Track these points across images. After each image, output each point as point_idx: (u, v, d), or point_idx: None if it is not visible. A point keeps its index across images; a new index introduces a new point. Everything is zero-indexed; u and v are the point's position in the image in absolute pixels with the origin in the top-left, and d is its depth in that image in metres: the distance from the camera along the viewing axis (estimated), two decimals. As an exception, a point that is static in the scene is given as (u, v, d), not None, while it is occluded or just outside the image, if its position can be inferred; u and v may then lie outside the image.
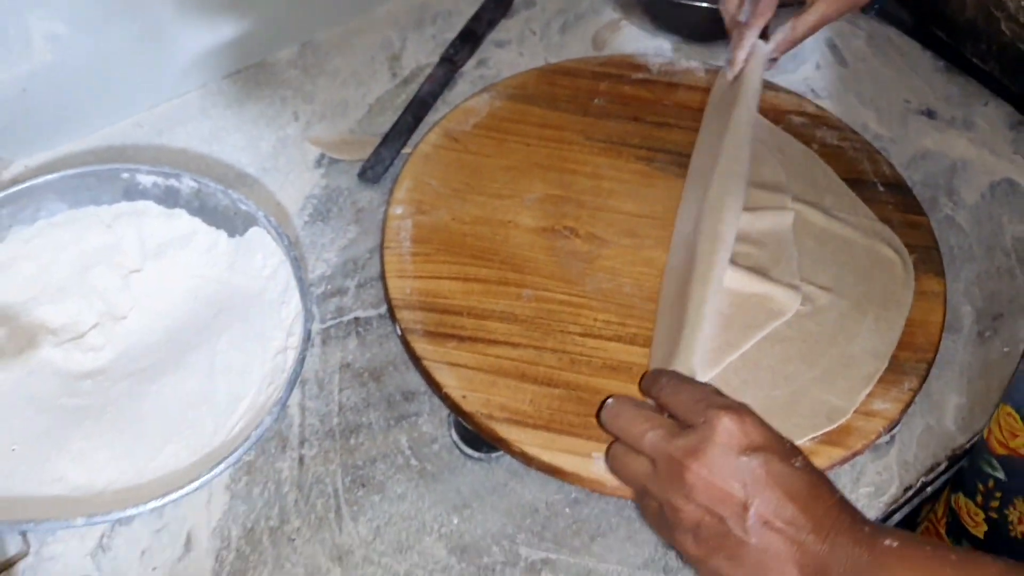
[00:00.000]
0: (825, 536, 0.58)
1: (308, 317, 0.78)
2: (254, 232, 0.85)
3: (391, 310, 0.81)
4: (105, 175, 0.86)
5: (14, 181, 0.89)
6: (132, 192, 0.87)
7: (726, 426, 0.60)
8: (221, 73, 1.08)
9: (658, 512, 0.64)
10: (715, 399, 0.64)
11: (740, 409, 0.62)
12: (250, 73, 1.09)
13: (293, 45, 1.12)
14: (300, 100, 1.07)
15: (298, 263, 0.81)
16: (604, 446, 0.71)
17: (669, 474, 0.61)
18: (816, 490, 0.60)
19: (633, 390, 0.75)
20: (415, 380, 0.84)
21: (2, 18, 0.87)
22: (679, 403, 0.65)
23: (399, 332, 0.80)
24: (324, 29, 1.14)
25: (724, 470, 0.59)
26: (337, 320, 0.88)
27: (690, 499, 0.60)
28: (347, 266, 0.92)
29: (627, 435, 0.66)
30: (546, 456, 0.73)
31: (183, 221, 0.87)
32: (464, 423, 0.77)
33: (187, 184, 0.86)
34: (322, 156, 1.02)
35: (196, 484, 0.70)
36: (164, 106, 1.05)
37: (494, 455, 0.80)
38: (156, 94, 1.04)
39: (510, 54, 1.14)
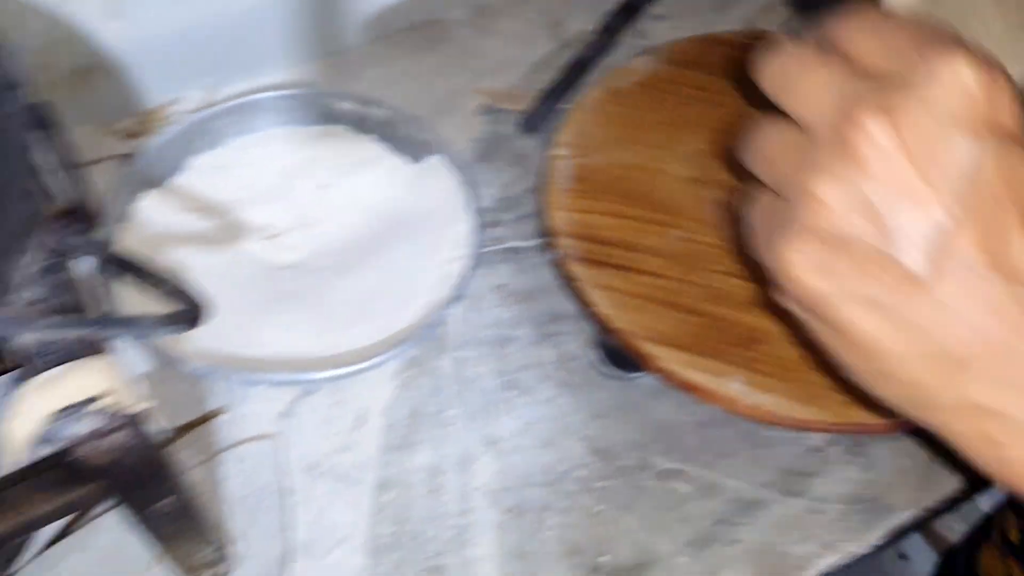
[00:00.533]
0: None
1: (477, 233, 0.88)
2: (432, 160, 0.95)
3: (549, 237, 0.90)
4: (309, 99, 0.98)
5: (226, 101, 1.02)
6: (330, 116, 0.98)
7: (959, 79, 0.34)
8: (400, 26, 1.19)
9: (775, 210, 0.40)
10: (945, 39, 0.36)
11: (989, 62, 0.36)
12: (425, 28, 1.20)
13: (465, 7, 1.23)
14: (469, 56, 1.18)
15: (471, 188, 0.91)
16: (740, 372, 0.78)
17: (835, 138, 0.36)
18: None
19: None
20: (562, 304, 0.93)
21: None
22: (880, 46, 0.37)
23: (555, 257, 0.89)
24: (492, -5, 1.24)
25: (932, 149, 0.35)
26: (494, 248, 0.98)
27: (851, 182, 0.36)
28: (505, 202, 1.02)
29: (790, 86, 0.40)
30: (685, 373, 0.80)
31: (372, 146, 0.98)
32: (609, 342, 0.85)
33: (379, 112, 0.97)
34: (487, 105, 1.12)
35: (373, 361, 0.81)
36: (349, 52, 1.17)
37: (632, 376, 0.88)
38: (342, 40, 1.16)
39: (666, 27, 1.22)
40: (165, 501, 0.64)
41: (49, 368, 0.52)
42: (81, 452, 0.55)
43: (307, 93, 0.97)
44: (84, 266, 0.58)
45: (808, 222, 0.37)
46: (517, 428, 0.85)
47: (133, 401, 0.54)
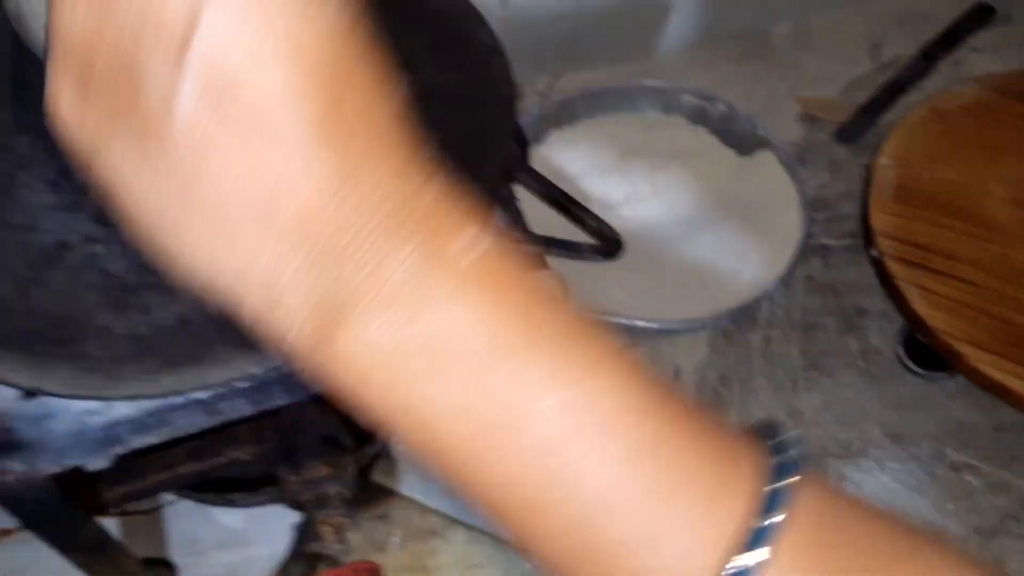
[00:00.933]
0: (371, 191, 0.29)
1: (806, 224, 0.97)
2: (762, 154, 1.05)
3: (870, 236, 0.98)
4: (654, 90, 1.10)
5: (562, 90, 1.17)
6: (669, 107, 1.11)
7: None
8: (727, 34, 1.30)
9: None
10: None
11: None
12: (750, 38, 1.30)
13: (789, 23, 1.32)
14: (789, 67, 1.27)
15: (802, 182, 1.00)
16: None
17: None
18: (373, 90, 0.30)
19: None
20: (868, 300, 1.00)
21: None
22: None
23: (875, 255, 0.96)
24: (817, 13, 1.32)
25: None
26: (806, 244, 1.07)
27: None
28: (818, 202, 1.10)
29: None
30: (996, 374, 0.86)
31: (704, 136, 1.10)
32: (922, 338, 0.92)
33: (716, 107, 1.08)
34: (804, 113, 1.20)
35: (695, 322, 0.92)
36: (679, 53, 1.29)
37: (934, 375, 0.94)
38: (674, 41, 1.28)
39: (983, 59, 1.26)
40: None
41: (512, 270, 0.67)
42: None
43: (652, 85, 1.10)
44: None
45: (67, 61, 0.29)
46: (818, 404, 0.94)
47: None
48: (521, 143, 0.78)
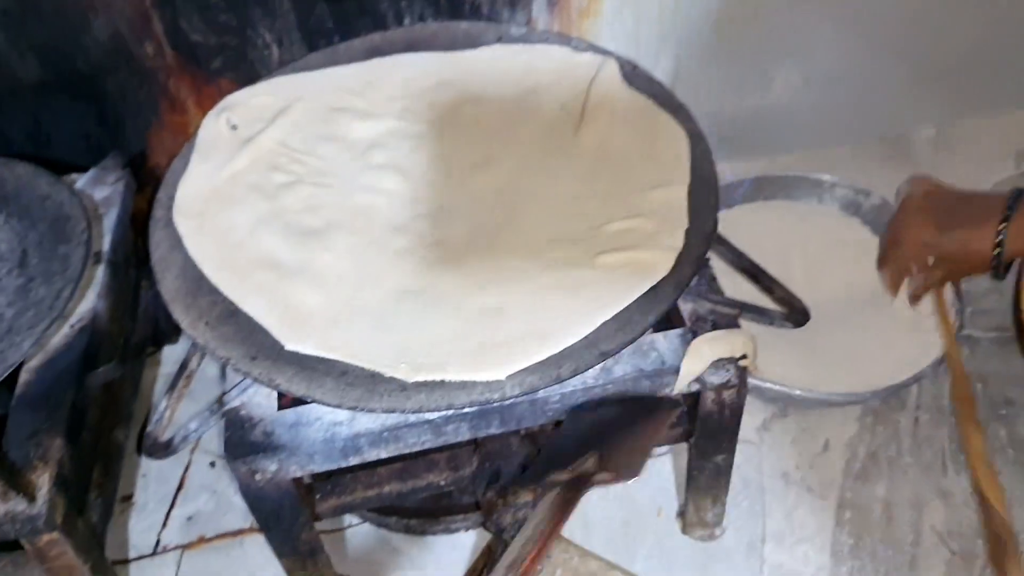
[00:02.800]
0: None
1: (956, 314, 1.02)
2: (914, 247, 1.11)
3: (1020, 329, 1.02)
4: (808, 181, 1.18)
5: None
6: (824, 198, 1.18)
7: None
8: (872, 136, 1.37)
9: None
10: None
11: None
12: (894, 142, 1.37)
13: (931, 127, 1.38)
14: (931, 169, 1.31)
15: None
16: None
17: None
18: None
19: None
20: (1016, 392, 1.03)
21: (760, 63, 1.24)
22: None
23: (1027, 348, 1.00)
24: (959, 119, 1.38)
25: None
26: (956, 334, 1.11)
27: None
28: (965, 296, 1.14)
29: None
30: None
31: (855, 228, 1.16)
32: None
33: (872, 200, 1.14)
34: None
35: (851, 397, 0.97)
36: (826, 151, 1.36)
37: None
38: (821, 140, 1.36)
39: None
40: (720, 456, 0.84)
41: (710, 329, 0.74)
42: (704, 396, 0.77)
43: (809, 176, 1.17)
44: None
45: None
46: (968, 488, 0.97)
47: (752, 366, 0.75)
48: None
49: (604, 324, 0.70)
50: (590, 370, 0.68)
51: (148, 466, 1.03)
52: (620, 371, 0.72)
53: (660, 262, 0.73)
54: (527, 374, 0.66)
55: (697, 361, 0.72)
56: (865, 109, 1.34)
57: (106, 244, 0.92)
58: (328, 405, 0.66)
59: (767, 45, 1.24)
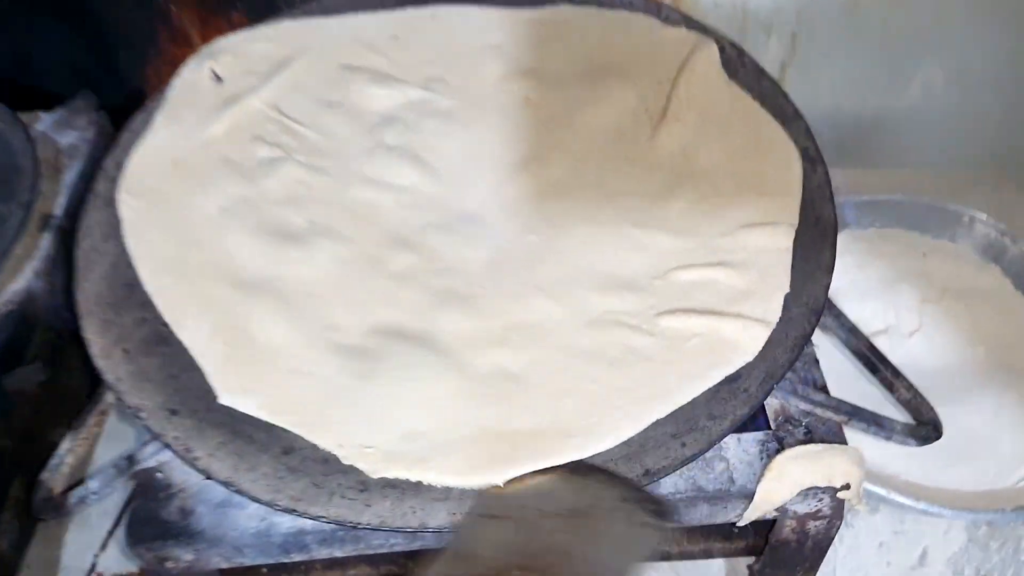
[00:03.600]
0: None
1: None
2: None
3: None
4: (938, 210, 0.95)
5: (840, 187, 1.02)
6: (957, 234, 0.94)
7: None
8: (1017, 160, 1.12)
9: None
10: None
11: None
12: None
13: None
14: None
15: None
16: None
17: None
18: None
19: None
20: None
21: (896, 57, 1.01)
22: None
23: None
24: None
25: None
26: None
27: None
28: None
29: None
30: None
31: (992, 276, 0.92)
32: None
33: (1019, 248, 0.91)
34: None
35: (968, 515, 0.75)
36: (964, 169, 1.11)
37: None
38: (959, 153, 1.11)
39: None
40: (792, 585, 0.64)
41: (800, 443, 0.54)
42: (782, 522, 0.56)
43: (942, 206, 0.94)
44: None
45: None
46: (1104, 642, 0.75)
47: (855, 498, 0.54)
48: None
49: (655, 424, 0.50)
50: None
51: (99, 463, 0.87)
52: (669, 485, 0.53)
53: (745, 341, 0.52)
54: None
55: (780, 487, 0.52)
56: (1019, 125, 1.09)
57: (59, 206, 0.75)
58: (255, 501, 0.47)
59: (907, 36, 1.00)
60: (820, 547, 0.58)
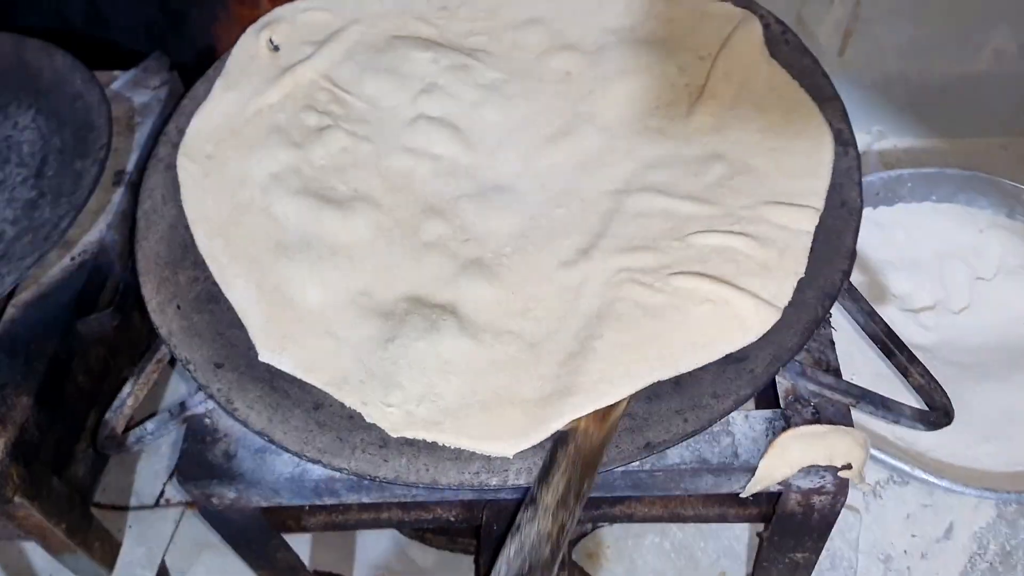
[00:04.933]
0: None
1: None
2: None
3: None
4: (997, 186, 0.93)
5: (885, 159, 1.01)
6: (1015, 211, 0.92)
7: None
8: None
9: None
10: None
11: None
12: None
13: None
14: None
15: None
16: None
17: None
18: None
19: None
20: None
21: (967, 22, 0.98)
22: None
23: None
24: None
25: None
26: None
27: None
28: None
29: None
30: None
31: (1056, 255, 0.91)
32: None
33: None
34: None
35: (996, 495, 0.76)
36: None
37: None
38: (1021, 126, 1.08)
39: None
40: (800, 555, 0.67)
41: (807, 422, 0.55)
42: (787, 495, 0.59)
43: (999, 182, 0.92)
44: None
45: None
46: None
47: (857, 478, 0.56)
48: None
49: (661, 401, 0.52)
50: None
51: (176, 392, 0.94)
52: (675, 457, 0.55)
53: (753, 321, 0.54)
54: (540, 456, 0.51)
55: (782, 463, 0.54)
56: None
57: (131, 163, 0.81)
58: (286, 451, 0.52)
59: (978, 0, 0.97)
60: (826, 520, 0.60)
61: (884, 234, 0.95)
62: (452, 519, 0.67)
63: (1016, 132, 1.08)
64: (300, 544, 0.81)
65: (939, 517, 0.83)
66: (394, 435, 0.52)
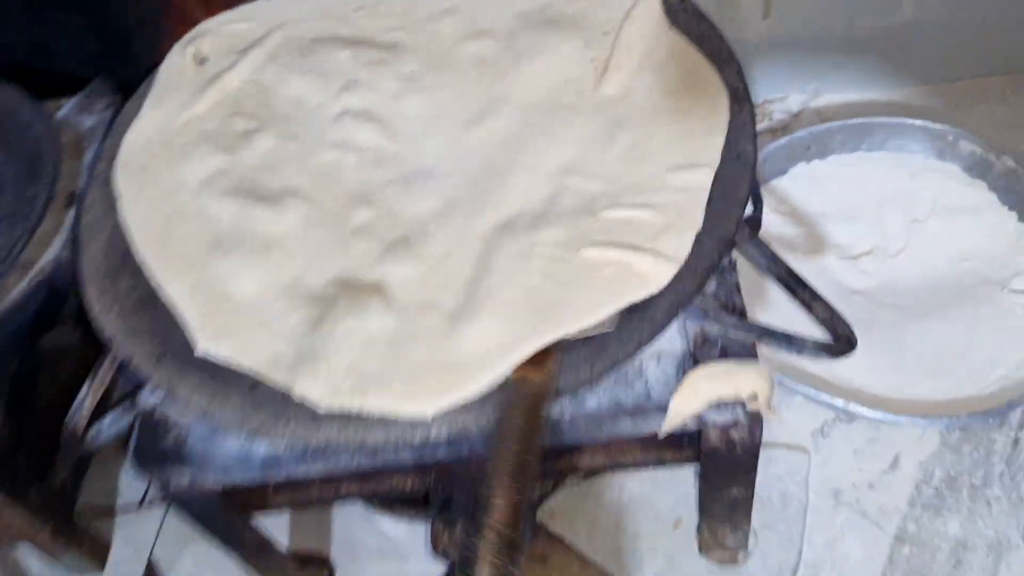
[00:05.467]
0: None
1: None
2: (1050, 222, 0.89)
3: None
4: (924, 131, 0.96)
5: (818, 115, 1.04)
6: (944, 153, 0.96)
7: None
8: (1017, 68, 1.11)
9: None
10: None
11: None
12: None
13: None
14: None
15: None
16: None
17: None
18: None
19: None
20: None
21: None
22: None
23: None
24: None
25: None
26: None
27: None
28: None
29: None
30: None
31: (979, 193, 0.94)
32: None
33: (1003, 163, 0.92)
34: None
35: (929, 420, 0.79)
36: (963, 83, 1.11)
37: None
38: (961, 70, 1.11)
39: None
40: (735, 489, 0.70)
41: (715, 360, 0.59)
42: (707, 432, 0.62)
43: (926, 126, 0.95)
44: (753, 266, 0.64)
45: None
46: (1069, 537, 0.79)
47: (766, 408, 0.59)
48: (755, 202, 0.69)
49: (570, 352, 0.56)
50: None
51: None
52: (593, 403, 0.59)
53: (653, 274, 0.58)
54: (459, 412, 0.54)
55: (690, 400, 0.58)
56: (1008, 33, 1.07)
57: (82, 183, 0.84)
58: (228, 427, 0.56)
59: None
60: (749, 452, 0.64)
61: (819, 187, 0.98)
62: (407, 488, 0.71)
63: (945, 78, 1.11)
64: (279, 528, 0.86)
65: (885, 450, 0.86)
66: (322, 406, 0.55)
